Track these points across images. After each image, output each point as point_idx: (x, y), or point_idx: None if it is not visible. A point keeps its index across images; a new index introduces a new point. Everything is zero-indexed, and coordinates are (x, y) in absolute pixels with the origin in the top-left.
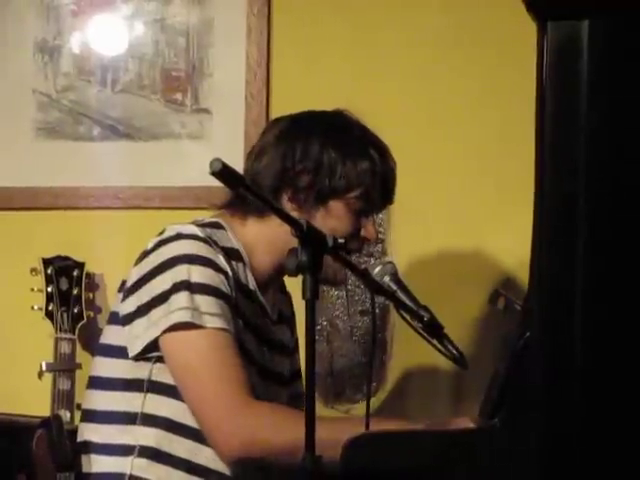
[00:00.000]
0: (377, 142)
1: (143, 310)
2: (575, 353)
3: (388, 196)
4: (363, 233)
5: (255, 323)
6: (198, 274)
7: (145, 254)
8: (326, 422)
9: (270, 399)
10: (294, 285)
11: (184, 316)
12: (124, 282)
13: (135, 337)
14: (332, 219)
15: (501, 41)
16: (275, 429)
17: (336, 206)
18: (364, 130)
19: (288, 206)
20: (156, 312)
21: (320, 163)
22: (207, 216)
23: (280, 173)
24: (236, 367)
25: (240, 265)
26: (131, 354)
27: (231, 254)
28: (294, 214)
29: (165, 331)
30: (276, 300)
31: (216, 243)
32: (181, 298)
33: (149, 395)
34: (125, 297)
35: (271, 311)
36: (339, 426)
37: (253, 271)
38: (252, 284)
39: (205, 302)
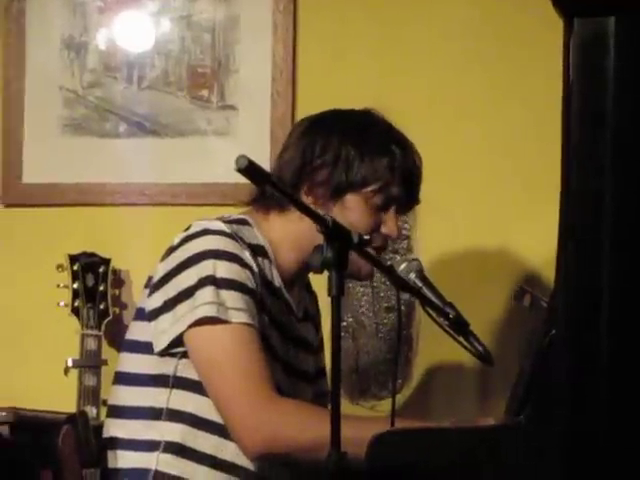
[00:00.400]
0: (401, 139)
1: (169, 305)
2: (601, 351)
3: (411, 193)
4: (384, 229)
5: (280, 320)
6: (224, 269)
7: (171, 250)
8: (351, 419)
9: (295, 396)
10: (319, 282)
11: (209, 311)
12: (150, 278)
13: (161, 332)
14: (349, 213)
15: (528, 37)
16: (299, 426)
17: (353, 200)
18: (388, 127)
19: (306, 200)
20: (182, 307)
21: (337, 157)
22: (233, 213)
23: (299, 168)
24: (260, 363)
25: (266, 262)
26: (157, 349)
27: (257, 251)
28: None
29: (190, 326)
30: (302, 298)
31: (242, 239)
32: (206, 293)
33: (174, 391)
34: (151, 293)
35: (296, 308)
36: (364, 424)
37: (278, 268)
38: (277, 281)
39: (231, 297)
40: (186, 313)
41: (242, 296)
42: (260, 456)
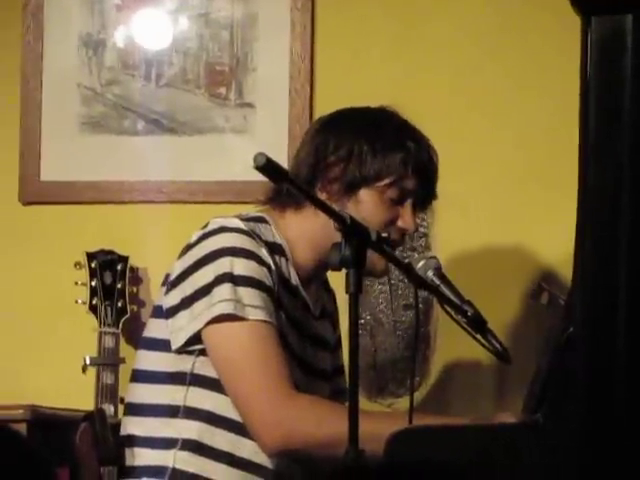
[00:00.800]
0: (416, 134)
1: (186, 303)
2: (618, 349)
3: (427, 188)
4: (400, 223)
5: (297, 318)
6: (241, 266)
7: (188, 247)
8: (369, 416)
9: (312, 394)
10: (337, 279)
11: (227, 308)
12: (168, 275)
13: (178, 329)
14: (364, 208)
15: (547, 35)
16: (317, 422)
17: (367, 195)
18: (403, 123)
19: (320, 196)
20: (199, 305)
21: (350, 153)
22: (250, 210)
23: (313, 165)
24: (279, 359)
25: (283, 260)
26: (174, 347)
27: (274, 249)
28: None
29: (208, 323)
30: (319, 296)
31: (259, 237)
32: (224, 290)
33: (192, 388)
34: (168, 290)
35: (313, 307)
36: (382, 420)
37: (295, 266)
38: (294, 279)
39: (248, 294)
40: (203, 310)
41: (259, 293)
42: (278, 452)
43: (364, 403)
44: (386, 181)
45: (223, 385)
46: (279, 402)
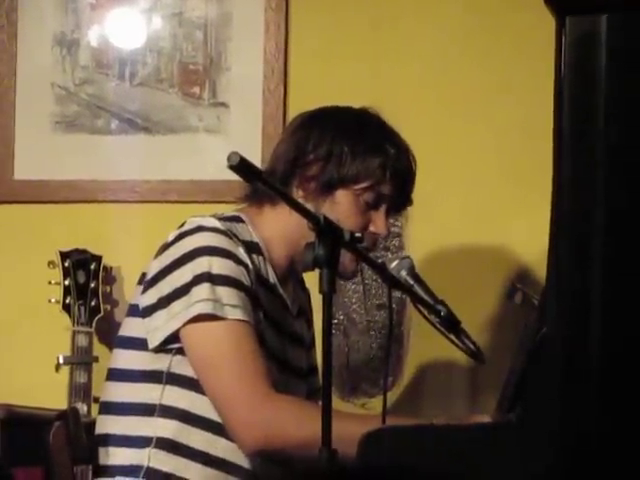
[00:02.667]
0: (396, 139)
1: (164, 302)
2: (591, 349)
3: (403, 194)
4: (372, 228)
5: (275, 317)
6: (219, 266)
7: (166, 246)
8: (343, 416)
9: (289, 393)
10: (311, 279)
11: (205, 307)
12: (144, 274)
13: (155, 329)
14: (338, 209)
15: (520, 34)
16: (296, 422)
17: (343, 196)
18: (383, 126)
19: (296, 194)
20: (177, 304)
21: (330, 153)
22: (224, 210)
23: (292, 161)
24: (257, 359)
25: (260, 259)
26: (151, 346)
27: (251, 248)
28: (301, 202)
29: (186, 323)
30: (296, 294)
31: (236, 236)
32: (202, 290)
33: (168, 387)
34: (145, 289)
35: (291, 305)
36: (355, 421)
37: (272, 264)
38: (272, 278)
39: (226, 293)
40: (182, 310)
41: (238, 293)
42: (257, 452)
43: (337, 403)
44: (363, 184)
45: (201, 385)
46: (258, 402)
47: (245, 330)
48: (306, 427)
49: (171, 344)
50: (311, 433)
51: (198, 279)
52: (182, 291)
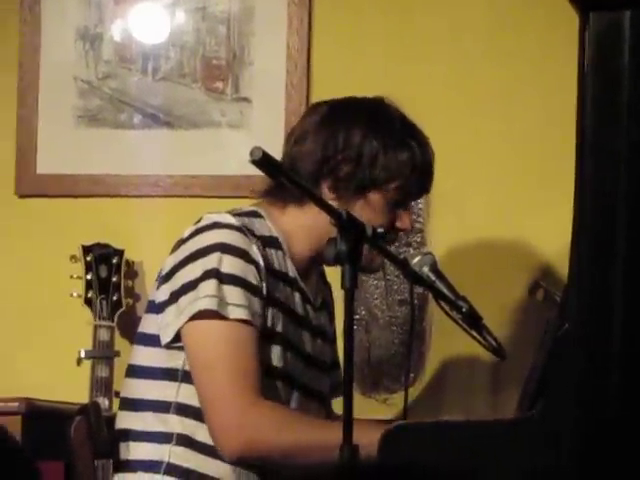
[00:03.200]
0: (417, 133)
1: (174, 297)
2: (613, 346)
3: (425, 186)
4: (398, 224)
5: (295, 310)
6: (229, 264)
7: (181, 242)
8: (323, 426)
9: (314, 387)
10: (333, 275)
11: (210, 304)
12: (161, 270)
13: (166, 325)
14: (371, 210)
15: (543, 29)
16: (278, 430)
17: (375, 197)
18: (404, 120)
19: (328, 195)
20: (185, 299)
21: (361, 153)
22: (246, 205)
23: (321, 161)
24: (249, 364)
25: (279, 253)
26: (163, 342)
27: (269, 242)
28: (333, 203)
29: (190, 318)
30: (319, 288)
31: (252, 232)
32: (209, 286)
33: (183, 385)
34: (160, 285)
35: (314, 298)
36: (333, 431)
37: (292, 259)
38: (292, 272)
39: (232, 293)
40: (188, 305)
41: (244, 292)
42: (237, 459)
43: (358, 398)
44: (394, 184)
45: (194, 382)
46: (241, 408)
47: (245, 332)
48: (287, 435)
49: (182, 341)
50: (291, 442)
51: (207, 275)
52: (191, 286)
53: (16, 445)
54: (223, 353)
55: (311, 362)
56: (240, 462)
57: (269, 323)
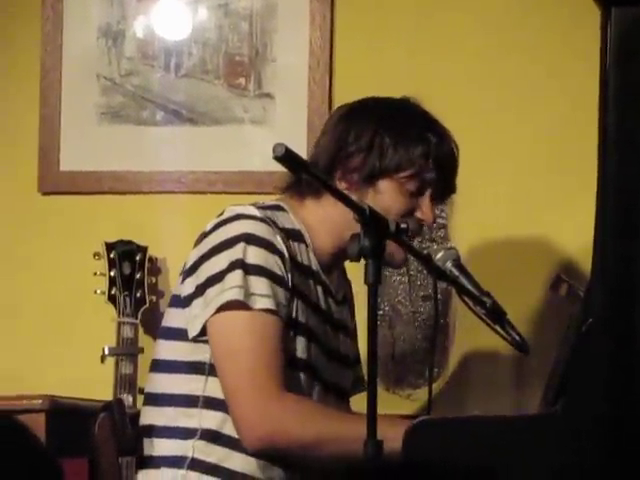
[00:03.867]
0: (437, 127)
1: (200, 290)
2: (637, 341)
3: (446, 181)
4: (418, 214)
5: (318, 304)
6: (253, 254)
7: (204, 235)
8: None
9: (337, 381)
10: (356, 270)
11: (236, 294)
12: (185, 264)
13: (194, 317)
14: (383, 198)
15: (566, 25)
16: (301, 423)
17: (386, 185)
18: (425, 115)
19: (339, 186)
20: (212, 291)
21: (372, 144)
22: (268, 200)
23: (333, 154)
24: (273, 356)
25: (302, 246)
26: (191, 335)
27: (292, 235)
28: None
29: (217, 310)
30: (341, 282)
31: (276, 224)
32: (235, 277)
33: (210, 378)
34: (184, 278)
35: (336, 292)
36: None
37: (315, 252)
38: (315, 265)
39: (257, 283)
40: (215, 297)
41: (269, 283)
42: (260, 451)
43: (382, 394)
44: (406, 173)
45: (217, 373)
46: (265, 400)
47: (270, 322)
48: (310, 428)
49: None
50: (314, 435)
51: (232, 266)
52: (217, 278)
53: (38, 444)
54: (248, 344)
55: (333, 356)
56: (263, 454)
57: (294, 314)
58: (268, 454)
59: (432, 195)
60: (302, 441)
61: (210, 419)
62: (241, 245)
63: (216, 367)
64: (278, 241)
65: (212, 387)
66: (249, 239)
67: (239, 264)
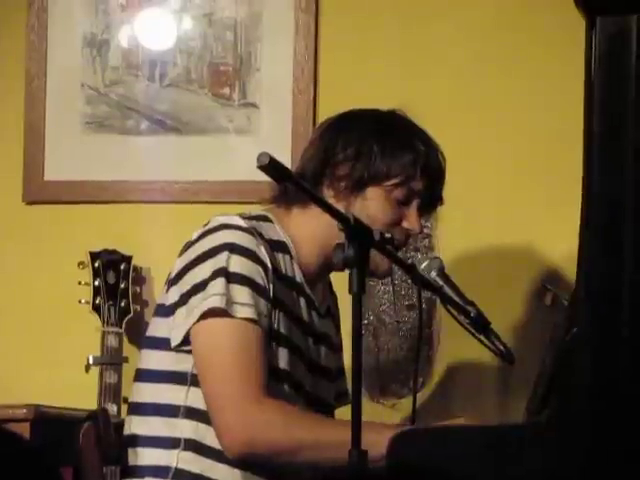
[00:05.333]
0: (424, 136)
1: (184, 299)
2: (622, 349)
3: (434, 191)
4: (405, 224)
5: (301, 316)
6: (236, 263)
7: (189, 245)
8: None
9: (318, 394)
10: (340, 280)
11: (217, 302)
12: (170, 274)
13: (177, 326)
14: (370, 207)
15: (550, 36)
16: (283, 428)
17: (374, 193)
18: (412, 125)
19: (327, 194)
20: (194, 299)
21: (359, 152)
22: (254, 210)
23: (321, 163)
24: (255, 363)
25: (287, 258)
26: (173, 344)
27: (277, 247)
28: (332, 201)
29: (200, 317)
30: (325, 295)
31: (261, 235)
32: (217, 285)
33: (192, 388)
34: (169, 287)
35: (319, 305)
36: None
37: (300, 264)
38: (299, 277)
39: (239, 292)
40: (197, 304)
41: (251, 292)
42: (242, 457)
43: (366, 404)
44: (394, 181)
45: (199, 380)
46: (245, 406)
47: (251, 331)
48: (292, 433)
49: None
50: (297, 440)
51: (215, 274)
52: (200, 287)
53: (38, 451)
54: (229, 351)
55: (315, 369)
56: (245, 461)
57: (275, 326)
58: (250, 461)
59: (419, 205)
60: (284, 446)
61: (192, 429)
62: (225, 254)
63: (198, 374)
64: (262, 252)
65: (193, 397)
66: (233, 248)
67: (222, 272)
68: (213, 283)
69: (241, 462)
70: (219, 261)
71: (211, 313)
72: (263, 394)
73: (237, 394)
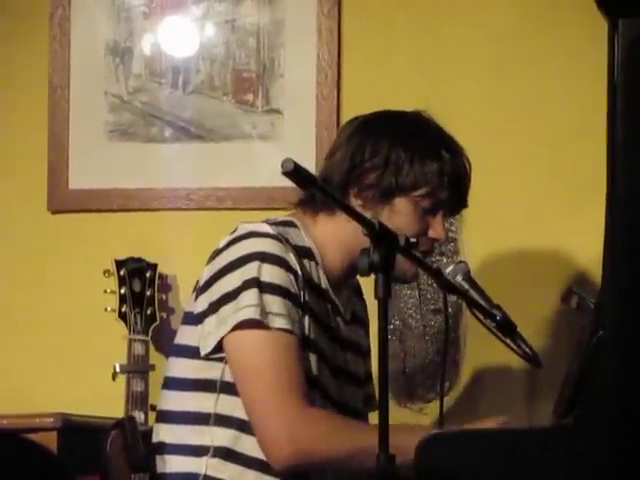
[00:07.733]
0: (451, 143)
1: (214, 308)
2: None
3: (459, 198)
4: (431, 233)
5: (327, 322)
6: (268, 273)
7: (217, 252)
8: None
9: (344, 399)
10: (366, 286)
11: (252, 313)
12: (198, 282)
13: (207, 335)
14: (397, 217)
15: (573, 38)
16: (327, 437)
17: (401, 203)
18: (439, 131)
19: (354, 203)
20: (225, 309)
21: (387, 161)
22: (279, 216)
23: (348, 170)
24: (295, 373)
25: (312, 264)
26: (203, 352)
27: (303, 253)
28: (359, 210)
29: (233, 328)
30: (350, 301)
31: (288, 241)
32: (250, 295)
33: (222, 396)
34: (197, 296)
35: (344, 311)
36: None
37: (326, 270)
38: (324, 283)
39: (273, 302)
40: (230, 315)
41: (284, 301)
42: (288, 469)
43: (394, 408)
44: (422, 191)
45: (239, 393)
46: (291, 418)
47: (287, 341)
48: (338, 442)
49: (222, 351)
50: (343, 448)
51: (247, 284)
52: (231, 296)
53: (58, 460)
54: (268, 362)
55: (339, 374)
56: (291, 472)
57: (306, 332)
58: (293, 471)
59: (444, 213)
60: (331, 456)
61: (222, 437)
62: (256, 263)
63: (238, 387)
64: (291, 258)
65: (223, 404)
66: (263, 257)
67: (254, 282)
68: (245, 293)
69: (285, 472)
70: (250, 270)
71: (246, 324)
72: (305, 403)
73: (281, 405)
